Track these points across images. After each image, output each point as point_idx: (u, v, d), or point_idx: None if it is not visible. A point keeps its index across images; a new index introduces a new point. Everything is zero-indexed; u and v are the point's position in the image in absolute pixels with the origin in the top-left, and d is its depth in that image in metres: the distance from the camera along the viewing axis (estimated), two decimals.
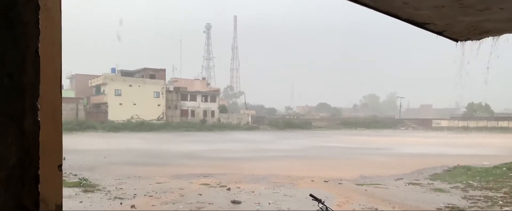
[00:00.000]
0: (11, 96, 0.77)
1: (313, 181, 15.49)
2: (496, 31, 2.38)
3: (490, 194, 13.31)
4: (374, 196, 12.78)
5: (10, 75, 0.77)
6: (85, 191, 12.95)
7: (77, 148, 26.57)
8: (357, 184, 14.98)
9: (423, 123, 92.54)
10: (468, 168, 18.97)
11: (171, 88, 75.96)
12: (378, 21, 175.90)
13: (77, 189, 13.14)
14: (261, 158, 24.32)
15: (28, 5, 0.79)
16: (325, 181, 15.38)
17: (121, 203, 11.41)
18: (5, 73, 0.76)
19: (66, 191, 12.24)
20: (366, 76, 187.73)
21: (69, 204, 10.81)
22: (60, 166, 0.94)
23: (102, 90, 70.10)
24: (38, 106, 0.81)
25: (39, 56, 0.81)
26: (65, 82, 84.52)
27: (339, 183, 15.06)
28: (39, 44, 0.81)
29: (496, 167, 18.80)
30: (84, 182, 14.18)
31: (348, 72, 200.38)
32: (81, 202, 11.47)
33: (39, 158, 0.81)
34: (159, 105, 71.57)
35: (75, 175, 15.74)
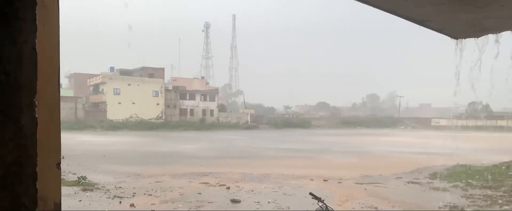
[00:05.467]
0: (8, 93, 0.77)
1: (312, 180, 15.50)
2: (496, 29, 2.38)
3: (490, 192, 13.33)
4: (373, 195, 12.79)
5: (7, 72, 0.76)
6: (84, 190, 12.95)
7: (76, 147, 26.55)
8: (357, 183, 14.99)
9: (423, 122, 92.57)
10: (467, 167, 19.00)
11: (170, 87, 75.90)
12: (378, 19, 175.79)
13: (76, 188, 13.14)
14: (261, 157, 24.32)
15: (25, 1, 0.79)
16: (324, 180, 15.39)
17: (120, 202, 11.41)
18: (1, 69, 0.75)
19: (65, 190, 12.23)
20: (366, 75, 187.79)
21: (68, 203, 10.80)
22: (59, 164, 0.93)
23: (100, 90, 70.07)
24: (36, 102, 0.80)
25: (36, 53, 0.80)
26: (64, 81, 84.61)
27: (339, 182, 15.07)
28: (37, 41, 0.80)
29: (495, 166, 18.85)
30: (83, 181, 14.18)
31: (348, 72, 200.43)
32: (80, 201, 11.47)
33: (37, 156, 0.81)
34: (158, 104, 71.56)
35: (74, 174, 15.74)
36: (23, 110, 0.78)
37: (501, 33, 2.43)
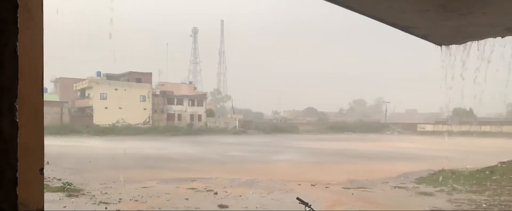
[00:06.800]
0: None
1: (300, 185, 15.51)
2: (479, 36, 2.43)
3: (474, 197, 13.52)
4: (360, 199, 12.86)
5: None
6: (69, 196, 12.75)
7: (61, 152, 26.16)
8: (344, 188, 15.05)
9: (409, 127, 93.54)
10: (452, 172, 19.21)
11: (158, 92, 75.43)
12: (364, 26, 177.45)
13: (61, 194, 12.92)
14: (249, 162, 24.28)
15: (6, 3, 0.78)
16: (312, 185, 15.41)
17: (106, 208, 11.26)
18: None
19: (49, 196, 12.03)
20: (353, 80, 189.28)
21: (53, 209, 10.62)
22: (42, 169, 0.91)
23: (87, 94, 69.31)
24: (16, 106, 0.79)
25: (17, 56, 0.79)
26: (50, 85, 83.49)
27: (326, 187, 15.11)
28: (19, 44, 0.79)
29: (479, 171, 19.07)
30: (68, 186, 13.95)
31: (336, 77, 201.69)
32: (65, 207, 11.28)
33: (18, 160, 0.79)
34: (145, 109, 71.04)
35: (59, 179, 15.49)
36: (4, 113, 0.77)
37: (484, 40, 2.48)
